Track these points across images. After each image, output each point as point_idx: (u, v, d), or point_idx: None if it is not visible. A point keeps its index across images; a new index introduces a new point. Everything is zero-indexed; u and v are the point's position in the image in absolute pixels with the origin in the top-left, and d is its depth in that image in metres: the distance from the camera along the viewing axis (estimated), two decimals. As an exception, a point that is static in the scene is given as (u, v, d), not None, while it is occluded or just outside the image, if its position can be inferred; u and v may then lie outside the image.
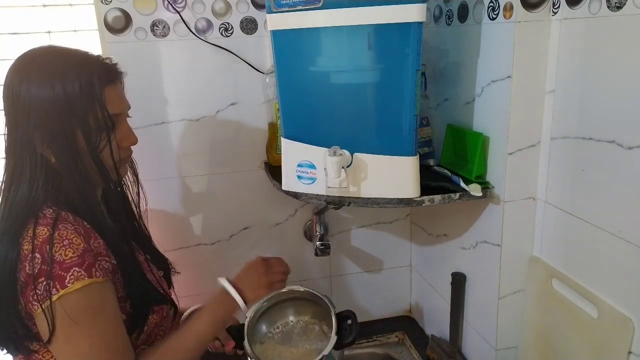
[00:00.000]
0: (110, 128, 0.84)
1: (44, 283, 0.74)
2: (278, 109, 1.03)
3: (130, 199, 0.98)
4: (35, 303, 0.75)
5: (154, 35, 1.19)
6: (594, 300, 0.86)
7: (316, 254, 1.32)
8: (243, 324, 1.01)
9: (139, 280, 0.87)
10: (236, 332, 1.02)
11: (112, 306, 0.81)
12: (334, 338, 0.96)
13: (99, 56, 0.86)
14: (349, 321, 0.98)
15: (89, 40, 1.21)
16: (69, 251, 0.76)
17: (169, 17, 1.19)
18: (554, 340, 0.97)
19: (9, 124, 0.82)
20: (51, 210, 0.80)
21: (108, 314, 0.80)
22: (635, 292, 0.79)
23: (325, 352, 0.95)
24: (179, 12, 1.19)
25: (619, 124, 0.79)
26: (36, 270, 0.75)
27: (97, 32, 1.19)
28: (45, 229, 0.77)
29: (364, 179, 0.98)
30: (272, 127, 1.26)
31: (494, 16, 0.94)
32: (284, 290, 1.05)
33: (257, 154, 1.32)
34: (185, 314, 1.07)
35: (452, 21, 1.09)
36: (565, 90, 0.90)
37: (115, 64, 0.88)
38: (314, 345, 1.04)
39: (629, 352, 0.80)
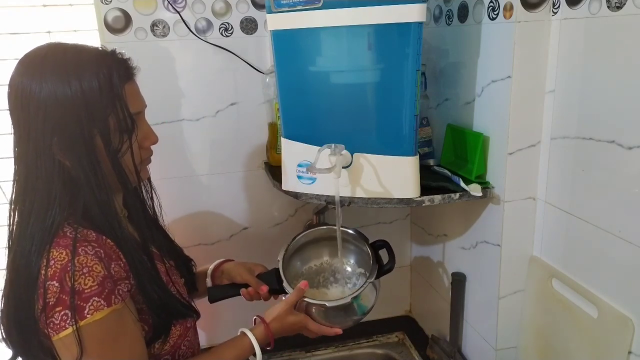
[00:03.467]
0: (131, 129, 0.78)
1: (62, 313, 0.71)
2: (278, 109, 1.03)
3: (147, 202, 0.94)
4: (52, 331, 0.73)
5: (154, 35, 1.19)
6: (594, 300, 0.86)
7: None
8: (273, 269, 1.05)
9: (160, 296, 0.83)
10: (267, 277, 1.05)
11: (131, 329, 0.78)
12: (375, 266, 1.00)
13: (114, 50, 0.80)
14: (384, 249, 1.03)
15: (89, 40, 1.21)
16: (88, 280, 0.72)
17: (169, 17, 1.19)
18: (554, 340, 0.97)
19: (20, 128, 0.75)
20: (71, 229, 0.75)
21: (126, 337, 0.77)
22: (635, 292, 0.79)
23: (371, 278, 0.99)
24: (179, 12, 1.19)
25: (619, 124, 0.79)
26: (53, 299, 0.71)
27: (97, 32, 1.18)
28: (64, 253, 0.72)
29: (364, 179, 0.98)
30: (272, 127, 1.26)
31: (494, 16, 0.94)
32: (312, 230, 1.09)
33: (257, 154, 1.32)
34: (209, 270, 1.09)
35: (452, 21, 1.09)
36: (565, 90, 0.90)
37: (129, 58, 0.82)
38: (348, 285, 1.09)
39: (629, 352, 0.80)
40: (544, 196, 0.97)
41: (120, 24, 1.17)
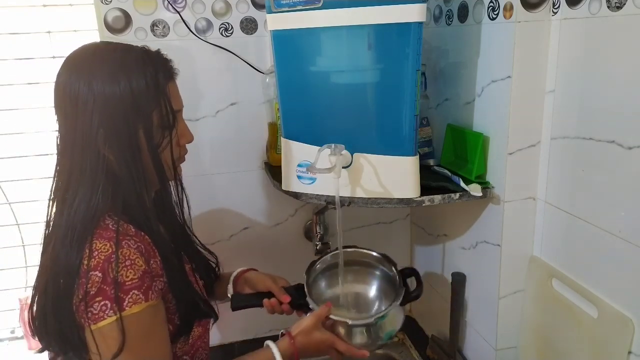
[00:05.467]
0: (172, 125, 0.83)
1: (102, 303, 0.73)
2: (278, 109, 1.03)
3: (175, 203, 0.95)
4: (90, 321, 0.74)
5: (154, 35, 1.19)
6: (594, 300, 0.86)
7: (316, 254, 1.32)
8: (297, 284, 1.04)
9: (188, 296, 0.85)
10: (291, 290, 1.03)
11: (162, 326, 0.80)
12: (401, 289, 0.99)
13: (158, 50, 0.85)
14: (412, 277, 1.03)
15: (89, 40, 1.21)
16: (130, 272, 0.74)
17: (169, 17, 1.19)
18: (554, 340, 0.97)
19: (67, 123, 0.78)
20: (112, 222, 0.77)
21: (157, 335, 0.79)
22: (635, 292, 0.79)
23: (397, 301, 0.98)
24: (179, 12, 1.19)
25: (619, 124, 0.79)
26: (94, 289, 0.73)
27: (97, 32, 1.19)
28: (108, 245, 0.74)
29: (364, 179, 0.98)
30: (272, 127, 1.26)
31: (494, 16, 0.94)
32: (336, 252, 1.07)
33: (257, 154, 1.33)
34: (232, 277, 1.09)
35: (452, 21, 1.09)
36: (565, 90, 0.90)
37: (171, 59, 0.86)
38: (373, 308, 1.07)
39: (629, 352, 0.80)
40: (544, 196, 0.97)
41: (120, 24, 1.17)
